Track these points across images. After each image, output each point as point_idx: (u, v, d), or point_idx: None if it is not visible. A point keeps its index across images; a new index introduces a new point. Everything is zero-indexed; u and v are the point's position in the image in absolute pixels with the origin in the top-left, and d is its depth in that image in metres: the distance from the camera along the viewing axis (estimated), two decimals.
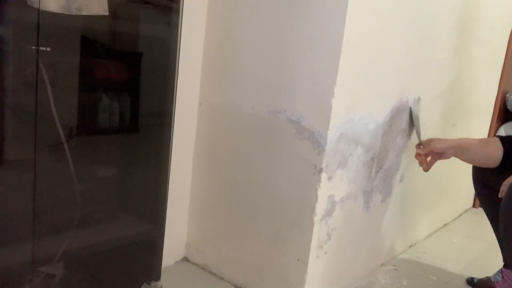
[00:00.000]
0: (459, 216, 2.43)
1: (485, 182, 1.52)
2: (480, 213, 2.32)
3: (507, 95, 2.51)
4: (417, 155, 1.49)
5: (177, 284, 1.43)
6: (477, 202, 2.59)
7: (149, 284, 1.28)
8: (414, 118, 1.57)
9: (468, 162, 1.51)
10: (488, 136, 2.51)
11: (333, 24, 1.18)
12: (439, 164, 1.99)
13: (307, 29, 1.23)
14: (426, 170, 1.48)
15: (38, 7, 0.88)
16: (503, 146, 1.40)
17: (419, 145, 1.51)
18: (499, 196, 1.32)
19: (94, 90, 1.10)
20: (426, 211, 2.00)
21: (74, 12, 0.94)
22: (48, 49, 0.93)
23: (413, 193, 1.79)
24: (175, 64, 1.18)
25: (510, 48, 2.37)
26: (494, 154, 1.40)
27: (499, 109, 2.47)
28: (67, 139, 1.00)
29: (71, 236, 1.06)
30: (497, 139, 1.42)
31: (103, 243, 1.18)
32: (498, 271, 1.56)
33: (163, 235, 1.29)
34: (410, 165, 1.69)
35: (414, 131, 1.59)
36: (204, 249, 1.54)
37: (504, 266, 1.56)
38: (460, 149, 1.45)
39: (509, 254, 1.34)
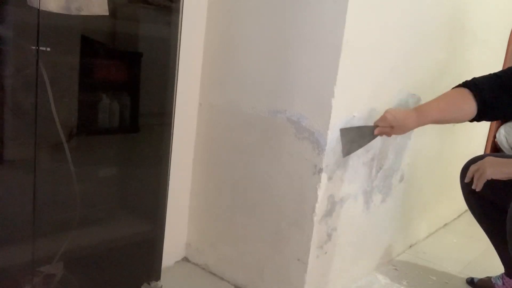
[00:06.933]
0: (459, 216, 2.42)
1: (475, 192, 1.39)
2: None
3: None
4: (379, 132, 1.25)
5: (177, 284, 1.43)
6: None
7: (149, 284, 1.28)
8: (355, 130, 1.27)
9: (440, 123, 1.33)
10: (488, 139, 2.51)
11: (333, 24, 1.18)
12: (439, 164, 1.99)
13: (307, 29, 1.23)
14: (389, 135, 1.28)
15: (38, 7, 0.88)
16: (475, 96, 1.23)
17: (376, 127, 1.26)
18: (466, 181, 1.37)
19: (94, 90, 1.10)
20: (426, 211, 2.00)
21: (74, 12, 0.94)
22: (48, 49, 0.93)
23: (413, 193, 1.79)
24: (175, 64, 1.18)
25: (510, 48, 2.37)
26: (466, 109, 1.25)
27: None
28: (67, 139, 1.00)
29: (71, 236, 1.06)
30: (467, 93, 1.24)
31: (103, 243, 1.18)
32: (500, 275, 1.55)
33: (163, 235, 1.29)
34: (410, 165, 1.69)
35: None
36: (204, 249, 1.54)
37: (506, 275, 1.53)
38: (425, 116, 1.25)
39: None
